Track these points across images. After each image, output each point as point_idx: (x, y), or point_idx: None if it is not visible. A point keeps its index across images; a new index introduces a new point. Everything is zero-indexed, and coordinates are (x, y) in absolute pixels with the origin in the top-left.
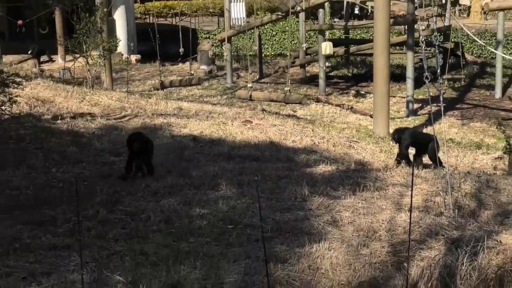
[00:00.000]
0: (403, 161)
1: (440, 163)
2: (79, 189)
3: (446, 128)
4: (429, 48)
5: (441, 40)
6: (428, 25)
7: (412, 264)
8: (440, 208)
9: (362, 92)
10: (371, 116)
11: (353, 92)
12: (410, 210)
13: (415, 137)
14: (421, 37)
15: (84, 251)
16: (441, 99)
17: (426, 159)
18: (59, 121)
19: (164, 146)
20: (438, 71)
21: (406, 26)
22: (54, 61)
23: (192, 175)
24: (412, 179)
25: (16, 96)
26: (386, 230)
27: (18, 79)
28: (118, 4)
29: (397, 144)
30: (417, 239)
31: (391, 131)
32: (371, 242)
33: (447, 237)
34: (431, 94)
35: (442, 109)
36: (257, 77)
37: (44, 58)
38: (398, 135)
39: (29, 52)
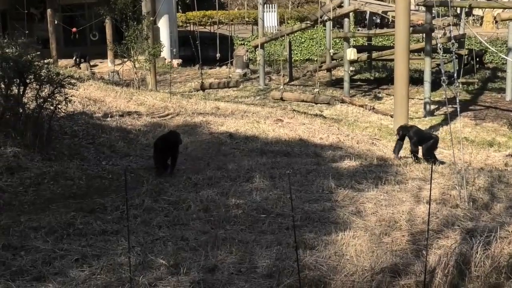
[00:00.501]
0: (416, 156)
1: (435, 161)
2: (126, 180)
3: (461, 127)
4: (445, 54)
5: (456, 47)
6: (445, 33)
7: (430, 252)
8: (456, 201)
9: (379, 95)
10: (391, 116)
11: (373, 94)
12: (429, 202)
13: (420, 135)
14: (438, 44)
15: (131, 236)
16: (457, 101)
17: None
18: (108, 119)
19: (203, 142)
20: (455, 75)
21: (424, 34)
22: (94, 65)
23: (228, 168)
24: (431, 174)
25: (71, 96)
26: (406, 221)
27: (73, 81)
28: (162, 13)
29: (398, 138)
30: (435, 229)
31: None
32: (392, 231)
33: (463, 227)
34: (446, 96)
35: (458, 110)
36: (287, 80)
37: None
38: (403, 132)
39: (73, 58)
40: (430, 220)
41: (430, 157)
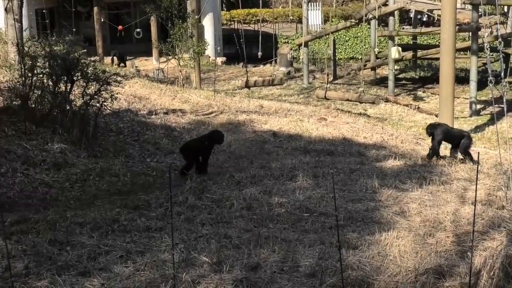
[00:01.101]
0: (434, 155)
1: (471, 158)
2: (171, 177)
3: (507, 127)
4: (491, 53)
5: (503, 46)
6: (491, 32)
7: (475, 254)
8: (502, 202)
9: (421, 95)
10: (436, 116)
11: (418, 93)
12: (475, 203)
13: (448, 133)
14: (485, 44)
15: (175, 233)
16: (504, 101)
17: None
18: (153, 116)
19: (246, 140)
20: (502, 74)
21: (470, 33)
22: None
23: (272, 166)
24: (477, 175)
25: (117, 93)
26: (451, 221)
27: (119, 78)
28: (207, 11)
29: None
30: (480, 230)
31: None
32: (437, 232)
33: (509, 229)
34: (493, 96)
35: (505, 109)
36: (331, 78)
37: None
38: (431, 130)
39: (111, 57)
40: (475, 221)
41: (468, 155)
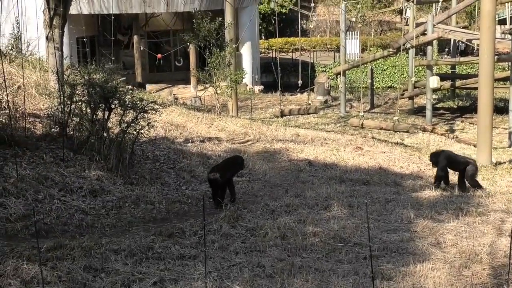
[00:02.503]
0: (440, 183)
1: (479, 186)
2: (205, 205)
3: None
4: None
5: None
6: None
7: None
8: None
9: (462, 124)
10: (474, 146)
11: (456, 123)
12: (511, 235)
13: (451, 160)
14: None
15: (208, 261)
16: None
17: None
18: (189, 144)
19: (282, 169)
20: None
21: (510, 63)
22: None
23: (306, 195)
24: None
25: (154, 121)
26: (487, 254)
27: (156, 106)
28: (245, 40)
29: (433, 164)
30: None
31: (494, 160)
32: (473, 264)
33: None
34: None
35: None
36: (368, 107)
37: None
38: (435, 158)
39: None
40: None
41: (475, 183)
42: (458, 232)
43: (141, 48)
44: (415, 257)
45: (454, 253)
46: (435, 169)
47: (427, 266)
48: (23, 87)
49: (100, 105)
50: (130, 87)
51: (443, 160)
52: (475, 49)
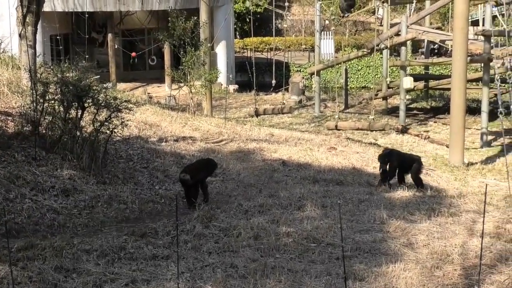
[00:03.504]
0: (390, 181)
1: (422, 184)
2: (178, 205)
3: None
4: (503, 84)
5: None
6: (503, 63)
7: (482, 287)
8: (510, 235)
9: (435, 125)
10: (447, 146)
11: (429, 123)
12: (482, 236)
13: (400, 158)
14: (496, 75)
15: (181, 261)
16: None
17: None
18: (163, 143)
19: (256, 169)
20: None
21: (483, 64)
22: None
23: (280, 196)
24: (485, 207)
25: (127, 120)
26: (459, 254)
27: (130, 105)
28: (220, 39)
29: (383, 166)
30: (488, 263)
31: (466, 161)
32: (444, 264)
33: None
34: (504, 127)
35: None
36: (343, 107)
37: None
38: (387, 158)
39: None
40: (483, 254)
41: (418, 181)
42: (430, 233)
43: (116, 47)
44: (388, 257)
45: (426, 253)
46: (383, 168)
47: (399, 267)
48: None
49: (73, 103)
50: (104, 85)
51: (396, 161)
52: (449, 50)
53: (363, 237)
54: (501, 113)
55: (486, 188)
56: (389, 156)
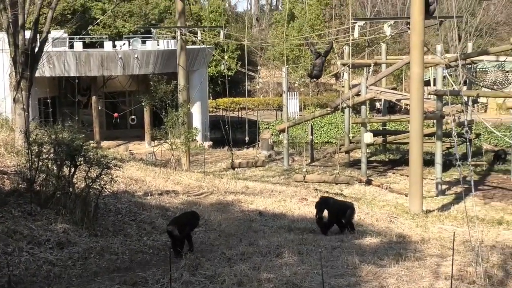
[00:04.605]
0: (323, 227)
1: (353, 228)
2: (166, 255)
3: (470, 206)
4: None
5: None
6: (454, 120)
7: None
8: (473, 277)
9: (394, 176)
10: (406, 195)
11: (388, 174)
12: (451, 278)
13: (336, 205)
14: (453, 131)
15: None
16: (472, 182)
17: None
18: (149, 197)
19: (235, 219)
20: (469, 159)
21: (435, 120)
22: None
23: (259, 244)
24: (453, 253)
25: (116, 177)
26: None
27: (118, 163)
28: (196, 100)
29: (319, 213)
30: None
31: (424, 208)
32: None
33: None
34: (455, 177)
35: (473, 189)
36: (309, 161)
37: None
38: (325, 206)
39: None
40: None
41: (350, 225)
42: (399, 276)
43: (99, 108)
44: None
45: None
46: (319, 215)
47: None
48: None
49: (66, 162)
50: (93, 144)
51: (334, 207)
52: (402, 108)
53: (338, 281)
54: (459, 165)
55: (454, 236)
56: (325, 204)
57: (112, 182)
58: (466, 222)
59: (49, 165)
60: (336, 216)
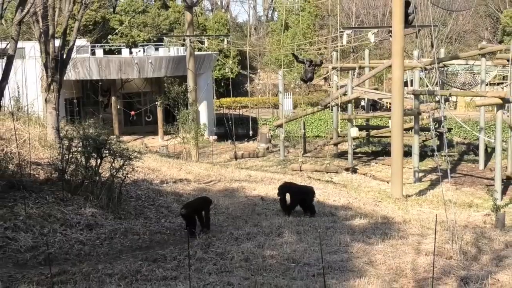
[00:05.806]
0: (286, 209)
1: (314, 210)
2: (182, 235)
3: (444, 191)
4: (426, 132)
5: (444, 126)
6: (429, 116)
7: None
8: (450, 253)
9: (377, 165)
10: (388, 182)
11: (371, 164)
12: (434, 255)
13: (297, 189)
14: (431, 126)
15: (187, 281)
16: (448, 170)
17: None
18: (164, 185)
19: (240, 204)
20: (446, 150)
21: (413, 116)
22: None
23: (263, 225)
24: (435, 234)
25: (136, 167)
26: (411, 269)
27: (139, 155)
28: (202, 100)
29: (281, 195)
30: (435, 277)
31: (404, 194)
32: (400, 278)
33: (457, 275)
34: (430, 166)
35: (450, 177)
36: (302, 152)
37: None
38: (287, 190)
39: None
40: (429, 269)
41: (310, 208)
42: (385, 253)
43: (118, 107)
44: (354, 273)
45: (384, 269)
46: (281, 197)
47: (364, 281)
48: (28, 140)
49: (93, 154)
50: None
51: (293, 190)
52: (383, 105)
53: (332, 257)
54: (435, 155)
55: (436, 218)
56: (287, 189)
57: (133, 171)
58: (442, 205)
59: (78, 157)
60: (298, 198)
